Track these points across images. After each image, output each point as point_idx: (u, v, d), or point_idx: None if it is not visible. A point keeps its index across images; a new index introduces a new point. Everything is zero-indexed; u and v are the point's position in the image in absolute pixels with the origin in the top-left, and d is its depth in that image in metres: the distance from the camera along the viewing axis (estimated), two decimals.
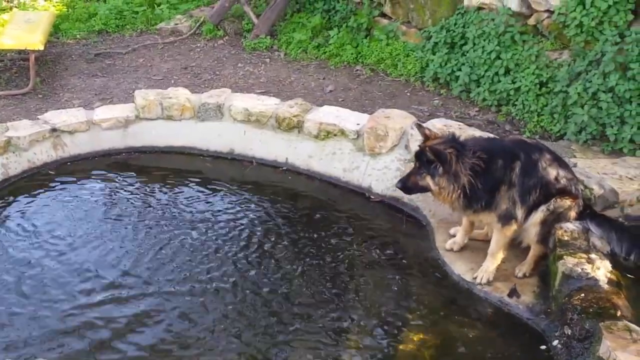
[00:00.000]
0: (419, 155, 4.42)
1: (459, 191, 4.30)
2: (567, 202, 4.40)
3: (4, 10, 9.84)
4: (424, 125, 4.64)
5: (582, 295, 3.96)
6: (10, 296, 4.45)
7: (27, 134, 5.88)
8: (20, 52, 8.07)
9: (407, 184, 4.53)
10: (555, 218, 4.41)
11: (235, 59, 8.45)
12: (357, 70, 7.91)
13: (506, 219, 4.41)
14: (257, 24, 8.98)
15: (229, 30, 9.22)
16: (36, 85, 7.47)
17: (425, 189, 4.47)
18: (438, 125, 5.67)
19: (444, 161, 4.24)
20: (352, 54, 8.12)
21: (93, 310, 4.33)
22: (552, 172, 4.40)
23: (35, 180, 5.82)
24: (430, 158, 4.29)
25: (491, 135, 5.50)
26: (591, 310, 3.86)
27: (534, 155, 4.41)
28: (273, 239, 5.13)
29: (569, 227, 4.44)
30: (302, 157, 6.09)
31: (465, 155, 4.28)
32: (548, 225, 4.42)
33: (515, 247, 4.66)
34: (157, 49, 8.84)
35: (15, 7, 9.96)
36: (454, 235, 4.96)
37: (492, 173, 4.32)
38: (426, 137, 4.43)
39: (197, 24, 9.34)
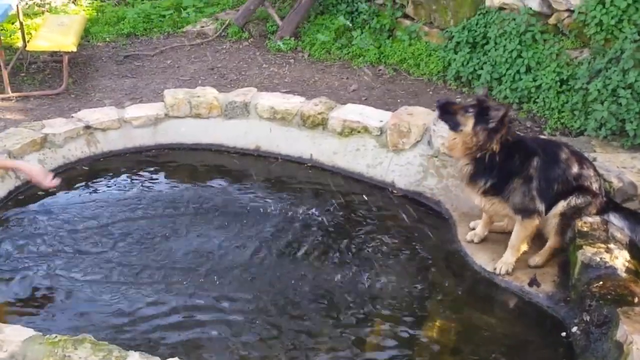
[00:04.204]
0: (480, 101, 4.41)
1: (479, 152, 4.39)
2: (587, 198, 4.50)
3: (37, 14, 10.12)
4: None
5: (601, 283, 4.06)
6: None
7: (63, 131, 6.08)
8: (53, 54, 8.33)
9: (447, 108, 4.49)
10: (574, 212, 4.51)
11: (260, 60, 8.63)
12: (380, 70, 8.04)
13: (527, 212, 4.50)
14: (281, 25, 9.16)
15: (253, 32, 9.42)
16: (69, 86, 7.71)
17: (455, 126, 4.41)
18: None
19: (498, 119, 4.28)
20: (375, 54, 8.26)
21: None
22: (573, 170, 4.49)
23: (69, 176, 5.97)
24: (489, 109, 4.32)
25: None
26: (609, 297, 3.96)
27: (553, 152, 4.52)
28: (297, 233, 5.25)
29: (588, 219, 4.55)
30: (327, 153, 6.23)
31: (506, 130, 4.37)
32: (567, 218, 4.52)
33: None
34: (184, 51, 9.06)
35: (47, 11, 10.24)
36: (474, 228, 5.08)
37: (511, 160, 4.42)
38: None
39: (223, 27, 9.55)
